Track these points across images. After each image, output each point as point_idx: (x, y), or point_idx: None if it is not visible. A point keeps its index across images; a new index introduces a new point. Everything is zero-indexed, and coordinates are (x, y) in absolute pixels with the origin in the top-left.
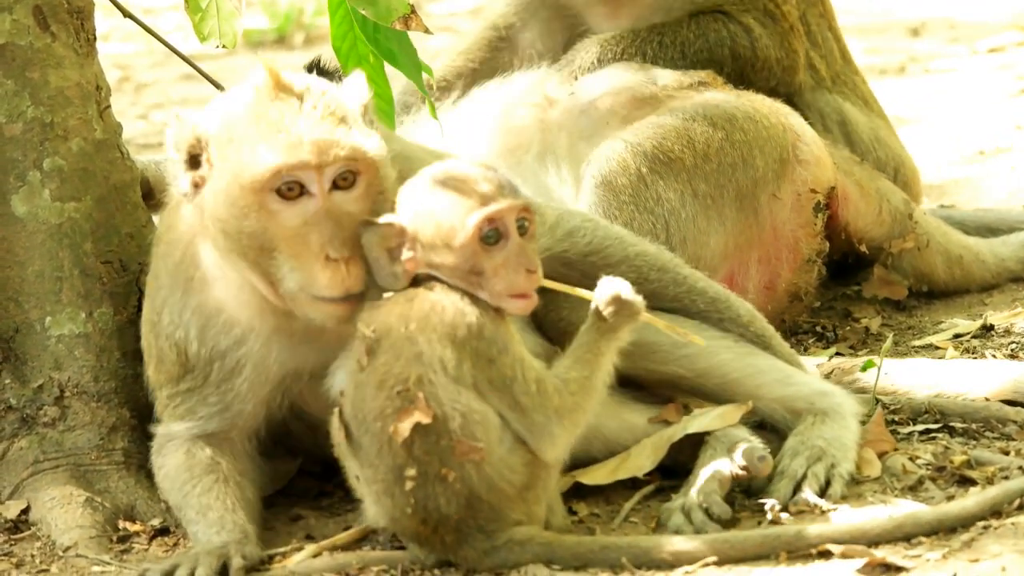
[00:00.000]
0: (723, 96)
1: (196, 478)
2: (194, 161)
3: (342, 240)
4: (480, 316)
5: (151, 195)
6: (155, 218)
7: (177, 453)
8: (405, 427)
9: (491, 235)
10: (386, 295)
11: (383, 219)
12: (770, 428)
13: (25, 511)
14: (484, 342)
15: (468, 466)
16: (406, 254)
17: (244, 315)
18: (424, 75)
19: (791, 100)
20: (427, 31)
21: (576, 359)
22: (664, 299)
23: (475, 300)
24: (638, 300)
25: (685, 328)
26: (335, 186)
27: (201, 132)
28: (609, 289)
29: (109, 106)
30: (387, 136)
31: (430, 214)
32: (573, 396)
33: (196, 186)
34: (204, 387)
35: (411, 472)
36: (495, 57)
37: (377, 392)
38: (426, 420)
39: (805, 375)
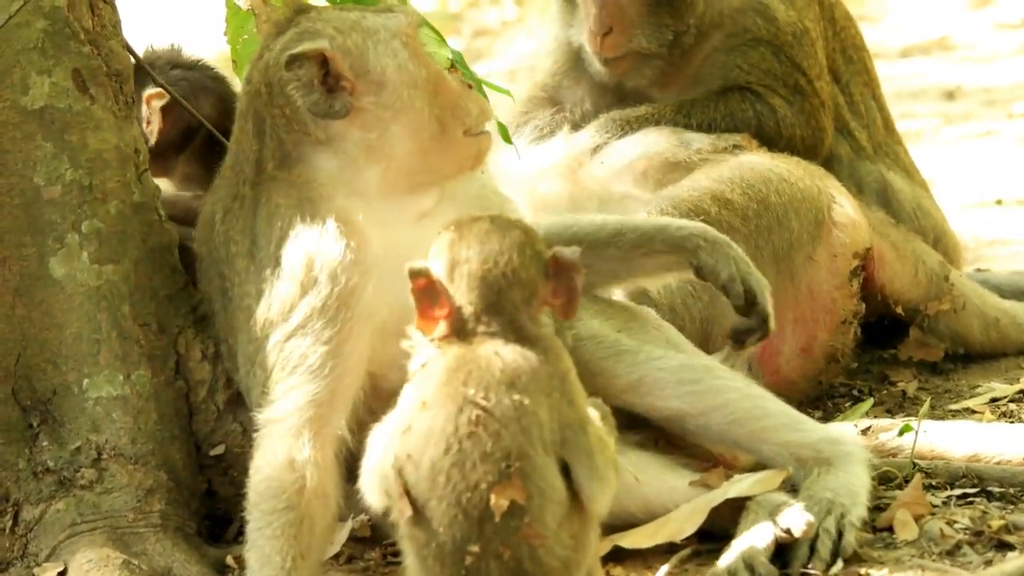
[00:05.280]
0: (758, 159)
1: (275, 514)
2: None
3: None
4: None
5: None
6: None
7: (275, 459)
8: (502, 504)
9: None
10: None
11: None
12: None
13: (62, 573)
14: (567, 385)
15: (524, 547)
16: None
17: (367, 233)
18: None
19: (830, 167)
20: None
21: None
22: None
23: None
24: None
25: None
26: None
27: (324, 50)
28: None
29: (147, 169)
30: None
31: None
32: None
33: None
34: (323, 311)
35: (475, 548)
36: (546, 115)
37: (476, 465)
38: (521, 501)
39: (815, 422)
